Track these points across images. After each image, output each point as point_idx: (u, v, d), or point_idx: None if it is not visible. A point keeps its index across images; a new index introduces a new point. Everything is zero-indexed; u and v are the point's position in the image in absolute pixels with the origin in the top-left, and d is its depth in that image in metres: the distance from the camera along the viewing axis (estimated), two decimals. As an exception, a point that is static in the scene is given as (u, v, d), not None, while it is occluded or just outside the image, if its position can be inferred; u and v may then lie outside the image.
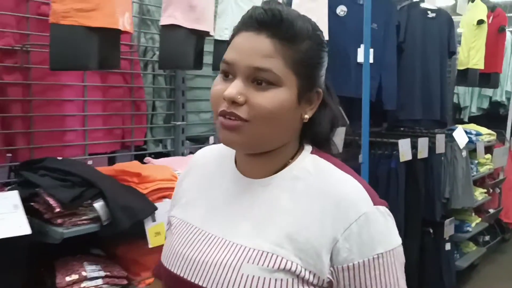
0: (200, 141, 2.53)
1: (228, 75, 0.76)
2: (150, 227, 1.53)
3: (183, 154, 2.33)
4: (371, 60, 2.49)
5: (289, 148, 0.81)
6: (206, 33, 1.89)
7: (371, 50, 2.49)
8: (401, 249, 0.78)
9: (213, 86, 0.77)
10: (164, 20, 1.77)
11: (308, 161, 0.81)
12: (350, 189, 0.76)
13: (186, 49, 1.81)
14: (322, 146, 0.85)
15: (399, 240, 0.77)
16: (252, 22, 0.75)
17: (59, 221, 1.40)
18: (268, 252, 0.73)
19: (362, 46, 2.60)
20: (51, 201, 1.39)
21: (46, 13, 1.82)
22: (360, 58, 2.58)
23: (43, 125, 1.82)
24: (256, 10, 0.75)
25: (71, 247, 1.54)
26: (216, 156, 0.90)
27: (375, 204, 0.75)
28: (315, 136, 0.84)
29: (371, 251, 0.73)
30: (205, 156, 0.94)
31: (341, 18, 2.60)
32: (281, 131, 0.77)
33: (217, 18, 2.03)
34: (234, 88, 0.73)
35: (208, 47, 2.08)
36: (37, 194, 1.43)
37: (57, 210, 1.38)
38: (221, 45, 1.98)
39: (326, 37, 2.30)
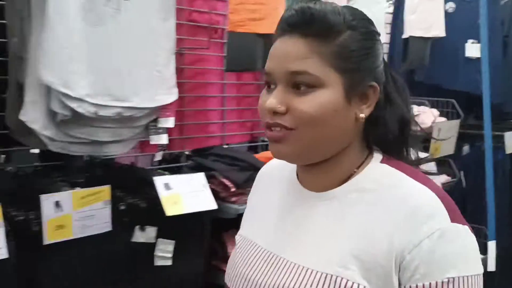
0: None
1: (271, 86, 0.72)
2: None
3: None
4: (478, 55, 2.58)
5: (351, 154, 0.74)
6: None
7: (479, 45, 2.58)
8: (480, 280, 0.66)
9: (260, 99, 0.74)
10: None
11: (377, 171, 0.73)
12: (424, 201, 0.67)
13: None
14: (394, 152, 0.76)
15: (479, 269, 0.66)
16: (284, 25, 0.71)
17: (233, 199, 1.64)
18: (332, 275, 0.67)
19: (469, 41, 2.71)
20: (227, 182, 1.63)
21: (196, 19, 2.09)
22: (468, 53, 2.68)
23: (193, 118, 2.09)
24: (287, 12, 0.72)
25: (225, 222, 1.77)
26: (280, 167, 0.84)
27: (453, 220, 0.66)
28: (381, 139, 0.75)
29: (440, 274, 0.63)
30: (272, 167, 0.89)
31: (450, 14, 2.70)
32: (333, 136, 0.70)
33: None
34: (274, 98, 0.69)
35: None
36: (212, 176, 1.67)
37: (233, 189, 1.62)
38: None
39: (443, 33, 2.42)
